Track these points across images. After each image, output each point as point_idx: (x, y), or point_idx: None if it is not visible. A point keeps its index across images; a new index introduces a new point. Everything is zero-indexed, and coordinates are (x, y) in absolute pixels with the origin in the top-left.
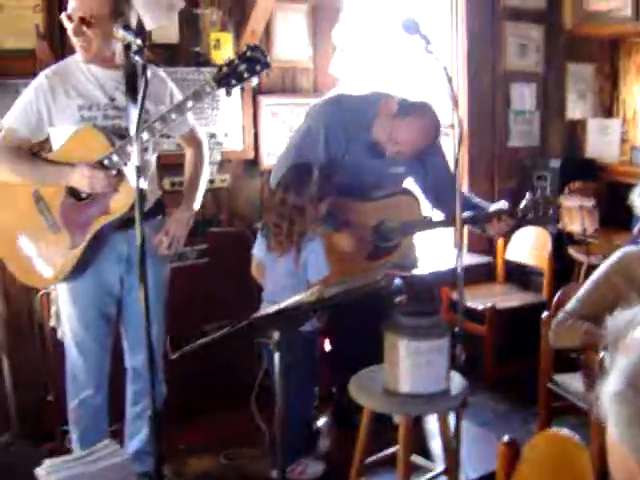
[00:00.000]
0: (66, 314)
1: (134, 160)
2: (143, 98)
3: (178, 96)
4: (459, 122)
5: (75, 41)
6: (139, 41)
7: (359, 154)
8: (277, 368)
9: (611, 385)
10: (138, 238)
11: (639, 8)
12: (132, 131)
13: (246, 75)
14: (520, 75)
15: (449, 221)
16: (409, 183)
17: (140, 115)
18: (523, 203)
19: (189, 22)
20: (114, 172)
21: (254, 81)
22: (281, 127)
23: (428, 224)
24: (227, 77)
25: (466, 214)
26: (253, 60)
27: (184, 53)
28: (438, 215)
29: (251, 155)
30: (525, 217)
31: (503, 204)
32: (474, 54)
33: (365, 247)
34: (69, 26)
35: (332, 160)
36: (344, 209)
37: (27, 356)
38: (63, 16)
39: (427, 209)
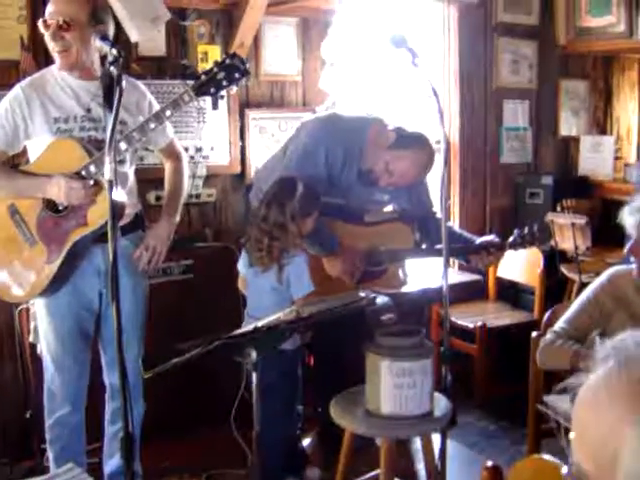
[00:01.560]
0: (43, 329)
1: (107, 173)
2: (117, 108)
3: (157, 108)
4: (445, 137)
5: (52, 47)
6: (115, 51)
7: (350, 178)
8: (255, 388)
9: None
10: (110, 255)
11: (632, 24)
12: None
13: (225, 83)
14: (513, 91)
15: (439, 250)
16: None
17: (114, 126)
18: (512, 237)
19: (177, 34)
20: (91, 183)
21: (233, 89)
22: (269, 141)
23: (418, 253)
24: (206, 85)
25: (455, 245)
26: (232, 68)
27: (171, 65)
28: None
29: (238, 169)
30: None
31: (492, 237)
32: (466, 70)
33: (355, 274)
34: (46, 32)
35: (329, 180)
36: (336, 230)
37: (6, 372)
38: (40, 23)
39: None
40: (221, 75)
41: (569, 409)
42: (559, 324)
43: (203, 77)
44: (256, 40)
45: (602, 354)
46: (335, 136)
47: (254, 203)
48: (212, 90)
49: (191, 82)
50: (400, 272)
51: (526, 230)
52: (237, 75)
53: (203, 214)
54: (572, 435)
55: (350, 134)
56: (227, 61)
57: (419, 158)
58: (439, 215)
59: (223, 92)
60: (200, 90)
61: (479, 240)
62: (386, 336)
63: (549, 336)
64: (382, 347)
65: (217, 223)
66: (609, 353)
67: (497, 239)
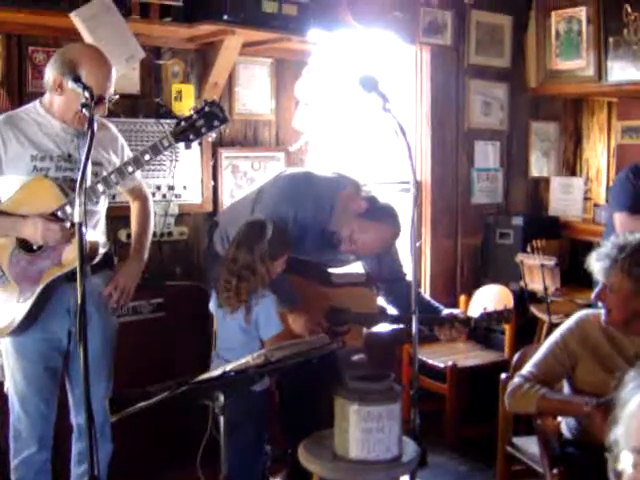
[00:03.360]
0: (9, 368)
1: (76, 216)
2: (89, 149)
3: (127, 151)
4: (414, 178)
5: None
6: (87, 94)
7: (316, 238)
8: (222, 432)
9: None
10: (79, 297)
11: (601, 68)
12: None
13: (204, 130)
14: (484, 133)
15: (401, 318)
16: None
17: (84, 166)
18: (478, 315)
19: (151, 73)
20: (68, 224)
21: (212, 136)
22: (241, 180)
23: (381, 318)
24: (185, 132)
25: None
26: (211, 115)
27: (145, 104)
28: (391, 309)
29: (209, 208)
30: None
31: (458, 312)
32: (438, 111)
33: (318, 332)
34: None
35: (297, 238)
36: (301, 288)
37: None
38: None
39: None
40: (200, 122)
41: (537, 451)
42: (527, 368)
43: (183, 123)
44: (230, 79)
45: None
46: (306, 197)
47: (217, 245)
48: (191, 136)
49: (165, 121)
50: (362, 331)
51: (492, 309)
52: (216, 122)
53: (174, 252)
54: None
55: (322, 194)
56: (206, 108)
57: (384, 233)
58: (409, 278)
59: (201, 138)
60: (179, 136)
61: (445, 311)
62: (355, 380)
63: (517, 380)
64: (350, 391)
65: (188, 261)
66: None
67: (463, 315)
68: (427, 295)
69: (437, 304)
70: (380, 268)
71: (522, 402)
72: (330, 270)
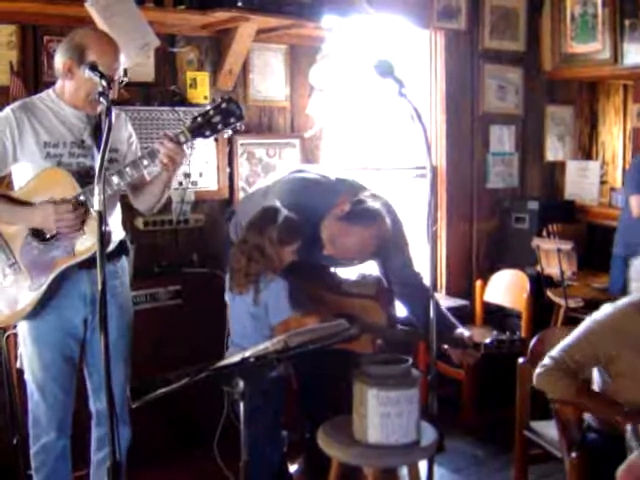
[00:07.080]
0: (27, 355)
1: (96, 204)
2: (107, 139)
3: (136, 140)
4: (431, 166)
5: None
6: (104, 82)
7: (312, 249)
8: (242, 418)
9: None
10: (99, 284)
11: (617, 51)
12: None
13: (220, 127)
14: (499, 117)
15: (412, 333)
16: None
17: (103, 156)
18: (489, 339)
19: (166, 61)
20: (79, 202)
21: (228, 132)
22: (257, 167)
23: (391, 333)
24: (201, 128)
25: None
26: (227, 112)
27: (160, 92)
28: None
29: (226, 195)
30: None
31: (467, 336)
32: (453, 96)
33: None
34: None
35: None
36: (311, 293)
37: None
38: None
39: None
40: (217, 119)
41: (555, 435)
42: (558, 352)
43: (199, 119)
44: (245, 66)
45: None
46: (304, 207)
47: (232, 234)
48: (207, 133)
49: (180, 109)
50: (372, 340)
51: (504, 336)
52: (232, 119)
53: (191, 239)
54: None
55: (316, 206)
56: (223, 105)
57: (363, 235)
58: (424, 280)
59: (217, 135)
60: (195, 132)
61: (458, 330)
62: (373, 364)
63: (548, 361)
64: (369, 376)
65: (205, 248)
66: None
67: (470, 339)
68: (442, 299)
69: (453, 320)
70: (385, 272)
71: (552, 386)
72: (339, 276)
